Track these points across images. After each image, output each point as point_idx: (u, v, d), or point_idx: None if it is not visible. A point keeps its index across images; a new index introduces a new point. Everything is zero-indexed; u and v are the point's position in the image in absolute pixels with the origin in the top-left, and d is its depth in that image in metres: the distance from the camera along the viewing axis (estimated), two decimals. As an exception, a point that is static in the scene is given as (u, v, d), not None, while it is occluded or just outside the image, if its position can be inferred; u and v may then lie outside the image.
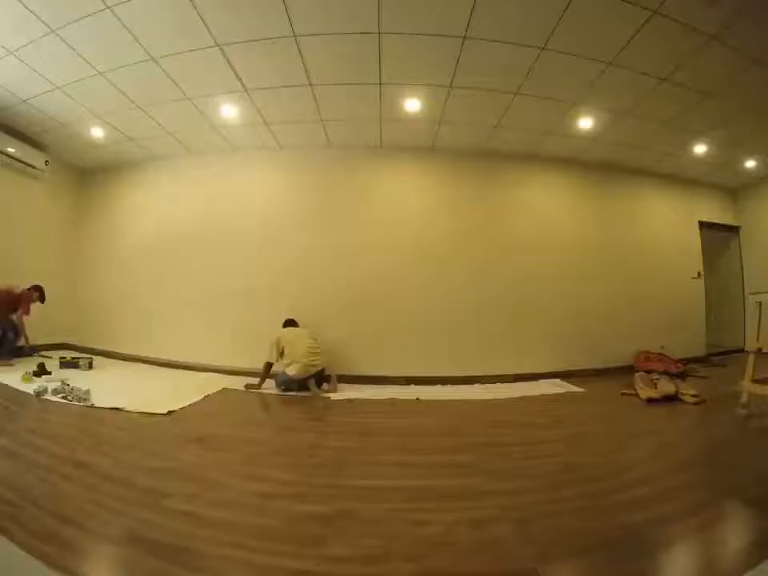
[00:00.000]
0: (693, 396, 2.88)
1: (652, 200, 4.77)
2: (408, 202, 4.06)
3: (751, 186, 5.23)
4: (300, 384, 3.26)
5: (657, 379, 3.30)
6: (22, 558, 1.03)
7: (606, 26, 2.43)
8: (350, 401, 3.05)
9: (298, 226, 4.05)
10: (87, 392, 2.72)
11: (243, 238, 4.13)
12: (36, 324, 4.20)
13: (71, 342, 4.71)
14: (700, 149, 4.12)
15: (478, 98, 3.21)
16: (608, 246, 4.42)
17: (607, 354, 4.21)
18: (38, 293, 3.99)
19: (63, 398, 2.65)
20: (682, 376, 3.69)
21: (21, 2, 2.32)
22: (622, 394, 3.17)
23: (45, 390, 2.76)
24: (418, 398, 3.16)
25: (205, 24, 2.48)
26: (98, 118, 3.71)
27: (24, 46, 2.72)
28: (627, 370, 4.03)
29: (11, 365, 3.63)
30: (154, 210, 4.51)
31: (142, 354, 4.29)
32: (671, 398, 2.93)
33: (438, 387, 3.57)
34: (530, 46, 2.63)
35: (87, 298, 4.71)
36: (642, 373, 3.60)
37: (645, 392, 3.03)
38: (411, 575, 1.06)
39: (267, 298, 3.99)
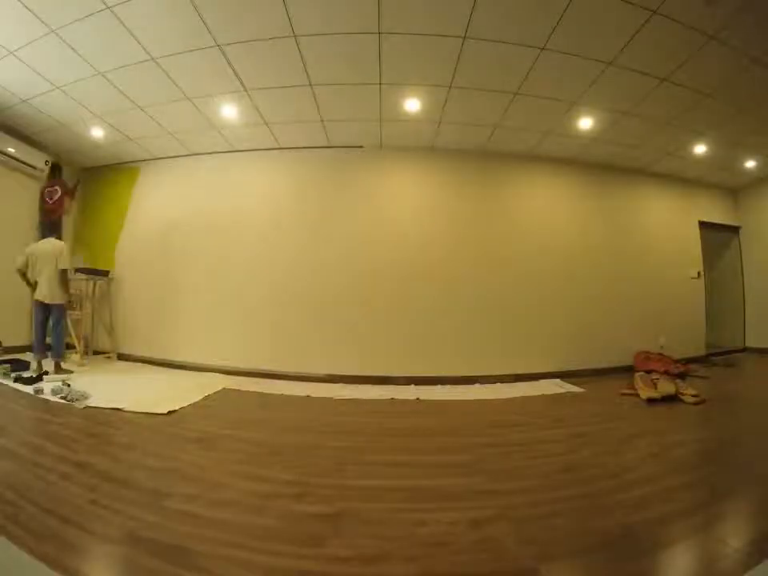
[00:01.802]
0: (693, 396, 2.88)
1: (652, 200, 4.77)
2: (408, 202, 4.06)
3: (751, 186, 5.23)
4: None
5: (656, 379, 3.30)
6: (22, 558, 1.03)
7: (605, 25, 2.43)
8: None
9: (298, 226, 4.04)
10: (87, 392, 2.72)
11: (243, 237, 4.13)
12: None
13: (70, 343, 4.70)
14: (700, 149, 4.12)
15: (478, 97, 3.21)
16: (608, 246, 4.41)
17: (607, 353, 4.21)
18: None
19: (62, 398, 2.65)
20: (681, 376, 3.69)
21: (21, 2, 2.32)
22: (622, 394, 3.17)
23: (41, 390, 2.76)
24: (418, 398, 3.16)
25: (205, 24, 2.48)
26: (98, 118, 3.71)
27: (24, 46, 2.72)
28: (627, 370, 4.03)
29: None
30: (154, 210, 4.51)
31: (141, 353, 4.29)
32: (671, 398, 2.93)
33: (438, 387, 3.56)
34: (530, 46, 2.63)
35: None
36: (642, 373, 3.60)
37: (645, 392, 3.03)
38: (411, 575, 1.06)
39: (267, 297, 4.00)
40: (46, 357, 3.43)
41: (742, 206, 5.41)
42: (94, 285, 4.44)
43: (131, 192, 4.66)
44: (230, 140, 4.07)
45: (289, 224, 4.07)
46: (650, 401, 2.91)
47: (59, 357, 3.46)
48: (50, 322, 3.49)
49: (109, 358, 4.35)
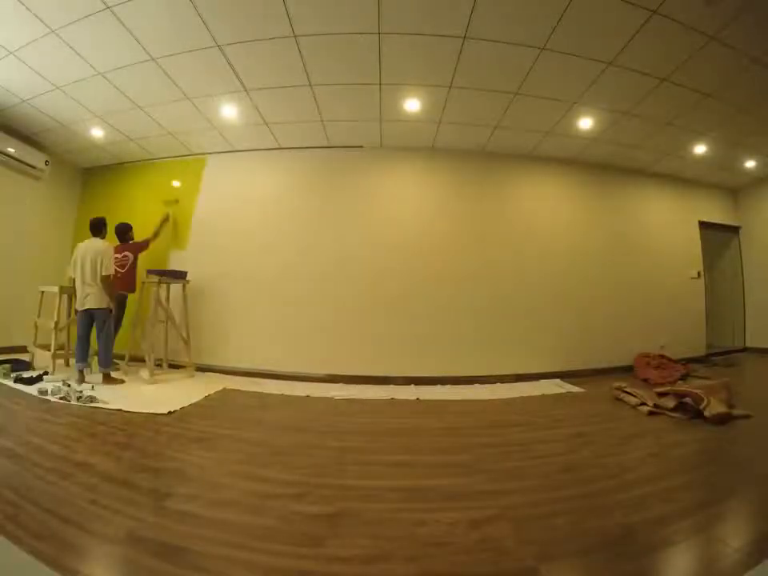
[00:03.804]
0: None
1: (652, 200, 4.77)
2: (408, 202, 4.06)
3: (751, 186, 5.24)
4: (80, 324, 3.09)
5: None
6: (22, 558, 1.03)
7: (606, 26, 2.43)
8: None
9: (298, 226, 4.05)
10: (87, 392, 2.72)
11: (243, 237, 4.13)
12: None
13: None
14: (700, 149, 4.12)
15: (478, 98, 3.21)
16: (608, 246, 4.41)
17: (607, 354, 4.21)
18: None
19: (62, 398, 2.65)
20: (683, 377, 3.68)
21: (21, 2, 2.32)
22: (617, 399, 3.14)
23: (46, 391, 2.76)
24: (418, 398, 3.16)
25: (205, 24, 2.48)
26: (98, 118, 3.71)
27: (24, 46, 2.72)
28: (627, 370, 4.03)
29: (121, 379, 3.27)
30: (154, 211, 4.51)
31: (140, 354, 4.28)
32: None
33: (438, 387, 3.57)
34: (530, 46, 2.63)
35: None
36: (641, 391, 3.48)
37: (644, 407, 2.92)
38: (411, 575, 1.06)
39: (267, 297, 4.00)
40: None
41: (742, 206, 5.41)
42: (168, 289, 3.92)
43: (131, 192, 4.65)
44: (230, 140, 4.07)
45: (289, 224, 4.07)
46: (652, 414, 2.86)
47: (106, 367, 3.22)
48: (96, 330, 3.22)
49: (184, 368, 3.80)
